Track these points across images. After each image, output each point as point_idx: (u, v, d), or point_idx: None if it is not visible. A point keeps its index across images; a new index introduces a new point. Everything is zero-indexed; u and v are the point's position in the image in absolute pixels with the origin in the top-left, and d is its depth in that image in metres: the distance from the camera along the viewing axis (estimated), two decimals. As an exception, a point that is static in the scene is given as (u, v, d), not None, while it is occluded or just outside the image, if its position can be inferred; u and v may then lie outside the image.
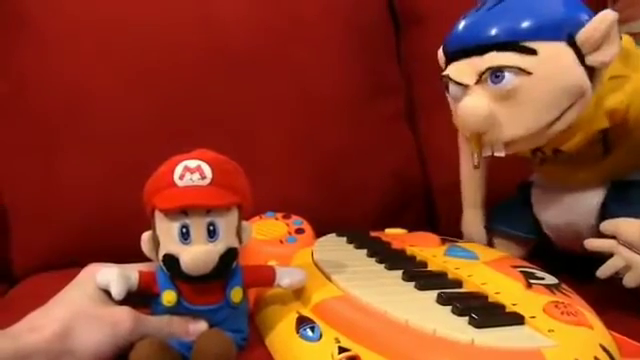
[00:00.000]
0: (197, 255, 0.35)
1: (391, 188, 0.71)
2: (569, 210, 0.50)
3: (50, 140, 0.62)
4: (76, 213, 0.61)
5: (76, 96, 0.62)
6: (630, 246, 0.43)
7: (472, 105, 0.42)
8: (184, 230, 0.35)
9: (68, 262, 0.56)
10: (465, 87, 0.43)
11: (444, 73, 0.45)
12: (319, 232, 0.54)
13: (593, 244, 0.45)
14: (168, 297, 0.37)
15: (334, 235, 0.53)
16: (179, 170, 0.36)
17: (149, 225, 0.37)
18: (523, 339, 0.33)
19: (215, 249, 0.35)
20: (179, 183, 0.36)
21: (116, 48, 0.63)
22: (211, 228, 0.35)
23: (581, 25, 0.40)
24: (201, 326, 0.37)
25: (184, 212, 0.35)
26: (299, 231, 0.54)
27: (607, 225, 0.45)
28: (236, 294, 0.38)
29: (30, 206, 0.62)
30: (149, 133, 0.62)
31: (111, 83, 0.62)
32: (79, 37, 0.63)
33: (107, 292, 0.36)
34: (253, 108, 0.66)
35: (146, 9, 0.64)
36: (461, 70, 0.43)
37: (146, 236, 0.37)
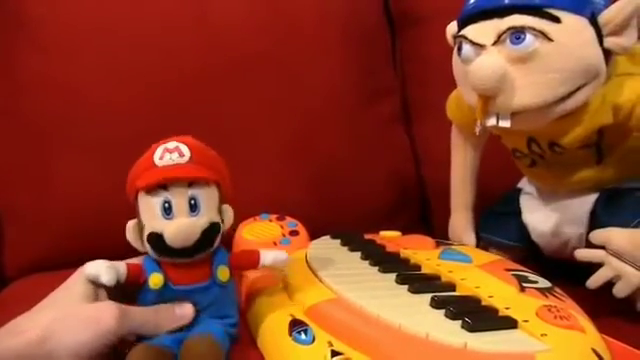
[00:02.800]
0: (180, 227, 0.35)
1: (386, 190, 0.71)
2: (558, 218, 0.50)
3: (44, 142, 0.62)
4: (69, 215, 0.60)
5: (71, 98, 0.62)
6: (619, 256, 0.43)
7: (488, 63, 0.40)
8: (166, 205, 0.36)
9: (60, 264, 0.56)
10: (481, 47, 0.41)
11: (459, 33, 0.43)
12: (313, 234, 0.54)
13: (582, 254, 0.45)
14: (155, 280, 0.37)
15: (328, 237, 0.53)
16: (159, 152, 0.37)
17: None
18: (516, 343, 0.33)
19: (198, 222, 0.36)
20: (159, 163, 0.37)
21: (113, 52, 0.63)
22: (192, 202, 0.36)
23: (603, 7, 0.40)
24: (187, 309, 0.37)
25: (164, 187, 0.36)
26: (293, 233, 0.54)
27: (596, 235, 0.44)
28: (222, 272, 0.38)
29: (23, 207, 0.62)
30: (144, 136, 0.61)
31: (107, 86, 0.62)
32: (76, 40, 0.63)
33: (94, 290, 0.36)
34: (249, 110, 0.66)
35: (144, 13, 0.65)
36: (479, 30, 0.42)
37: (131, 224, 0.38)
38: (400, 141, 0.74)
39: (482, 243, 0.56)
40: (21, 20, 0.63)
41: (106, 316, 0.34)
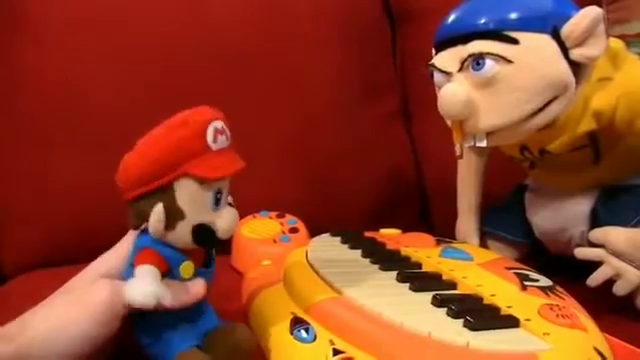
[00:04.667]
0: (233, 218, 0.34)
1: (386, 187, 0.71)
2: (560, 215, 0.50)
3: (43, 139, 0.61)
4: (68, 212, 0.60)
5: (70, 96, 0.62)
6: (618, 255, 0.43)
7: (451, 91, 0.42)
8: (219, 196, 0.34)
9: (60, 261, 0.56)
10: (448, 75, 0.43)
11: (430, 62, 0.45)
12: (313, 231, 0.54)
13: (582, 253, 0.45)
14: (188, 269, 0.34)
15: (328, 235, 0.53)
16: (211, 133, 0.33)
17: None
18: (518, 342, 0.33)
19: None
20: (213, 147, 0.33)
21: (111, 49, 0.63)
22: (229, 190, 0.35)
23: (567, 19, 0.40)
24: (201, 285, 0.35)
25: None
26: (293, 230, 0.54)
27: (596, 234, 0.45)
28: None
29: (22, 204, 0.61)
30: (142, 133, 0.61)
31: (106, 84, 0.62)
32: (75, 37, 0.63)
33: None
34: (248, 107, 0.66)
35: (142, 11, 0.64)
36: (445, 58, 0.43)
37: (161, 209, 0.32)
38: (400, 138, 0.74)
39: (486, 237, 0.57)
40: (20, 19, 0.63)
41: (95, 297, 0.32)
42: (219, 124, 0.34)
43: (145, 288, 0.31)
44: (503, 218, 0.56)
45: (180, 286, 0.35)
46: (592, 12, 0.40)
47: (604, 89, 0.43)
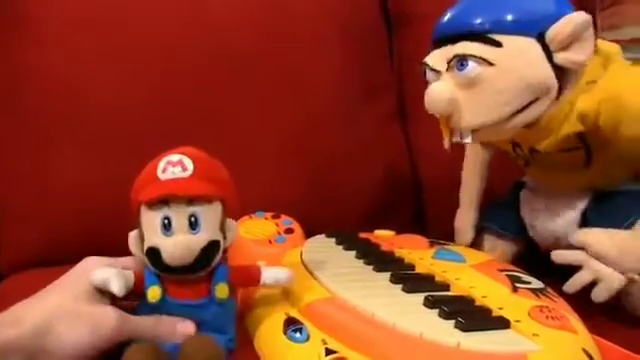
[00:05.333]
0: (177, 245, 0.35)
1: (381, 188, 0.71)
2: (551, 217, 0.51)
3: (43, 137, 0.61)
4: (68, 210, 0.60)
5: (71, 94, 0.62)
6: (599, 258, 0.43)
7: (436, 89, 0.43)
8: (166, 221, 0.35)
9: (56, 260, 0.56)
10: (438, 73, 0.44)
11: (423, 60, 0.46)
12: (308, 232, 0.54)
13: (560, 257, 0.45)
14: (153, 293, 0.36)
15: (323, 236, 0.53)
16: (162, 165, 0.36)
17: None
18: (508, 343, 0.34)
19: (196, 240, 0.35)
20: (161, 177, 0.36)
21: (112, 48, 0.63)
22: (192, 219, 0.36)
23: (553, 22, 0.41)
24: (188, 327, 0.37)
25: (166, 203, 0.35)
26: (288, 231, 0.54)
27: (576, 236, 0.45)
28: (221, 290, 0.37)
29: (22, 202, 0.61)
30: (143, 132, 0.61)
31: (106, 82, 0.62)
32: (76, 36, 0.63)
33: (96, 291, 0.35)
34: (246, 108, 0.66)
35: (143, 11, 0.64)
36: (435, 57, 0.45)
37: (133, 234, 0.37)
38: (396, 138, 0.75)
39: (483, 231, 0.57)
40: (21, 18, 0.63)
41: (105, 321, 0.34)
42: (175, 157, 0.36)
43: (100, 273, 0.35)
44: (500, 213, 0.56)
45: (168, 323, 0.36)
46: (578, 17, 0.40)
47: (590, 92, 0.43)
